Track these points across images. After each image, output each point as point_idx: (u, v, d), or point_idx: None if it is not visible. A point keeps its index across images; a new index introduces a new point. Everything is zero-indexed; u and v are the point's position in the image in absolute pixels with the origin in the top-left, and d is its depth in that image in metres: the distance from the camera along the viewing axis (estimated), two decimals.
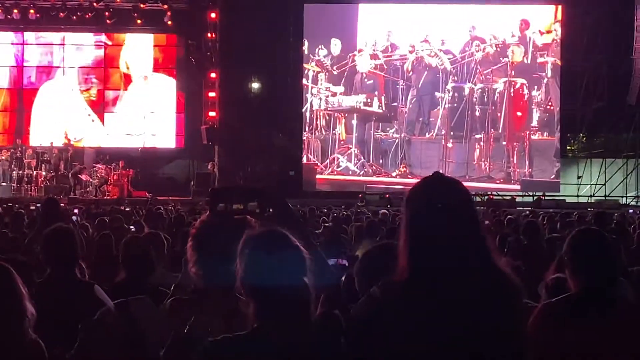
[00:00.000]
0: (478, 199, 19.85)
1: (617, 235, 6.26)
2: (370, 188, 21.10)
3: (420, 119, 21.37)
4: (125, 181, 20.50)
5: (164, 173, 22.62)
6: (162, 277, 3.83)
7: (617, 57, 21.63)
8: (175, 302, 2.39)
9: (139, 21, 21.93)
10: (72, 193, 19.53)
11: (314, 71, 21.65)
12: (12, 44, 23.03)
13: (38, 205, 10.22)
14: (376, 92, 21.44)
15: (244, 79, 22.54)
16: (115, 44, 23.05)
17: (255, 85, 22.84)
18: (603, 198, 21.31)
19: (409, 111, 21.39)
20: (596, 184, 21.82)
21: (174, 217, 8.67)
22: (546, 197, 20.75)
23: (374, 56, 21.53)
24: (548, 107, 21.35)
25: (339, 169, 21.39)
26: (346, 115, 21.50)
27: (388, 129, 21.44)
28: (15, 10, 21.80)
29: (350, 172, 21.33)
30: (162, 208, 10.74)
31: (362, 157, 21.27)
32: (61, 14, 21.77)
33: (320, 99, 21.62)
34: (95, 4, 21.68)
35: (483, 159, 21.07)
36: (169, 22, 22.11)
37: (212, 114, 21.68)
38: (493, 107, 21.18)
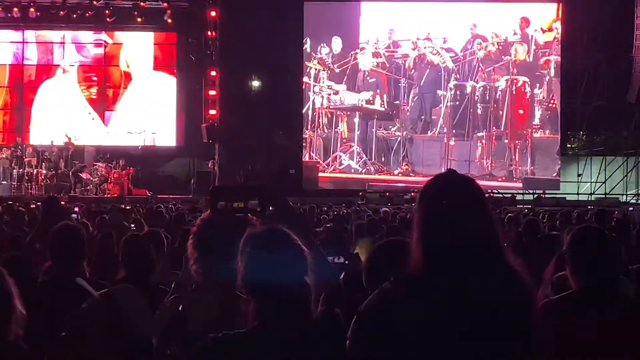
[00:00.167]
0: None
1: (618, 233, 6.26)
2: (372, 186, 21.11)
3: (423, 117, 21.36)
4: (125, 179, 20.50)
5: (164, 171, 22.63)
6: (162, 275, 3.83)
7: (617, 55, 21.62)
8: (176, 300, 2.40)
9: (139, 19, 21.92)
10: (72, 191, 19.52)
11: (316, 69, 21.64)
12: (12, 42, 23.03)
13: (38, 203, 10.22)
14: (378, 90, 21.44)
15: (244, 77, 22.54)
16: (115, 42, 23.05)
17: (256, 83, 22.84)
18: (603, 196, 21.31)
19: (411, 109, 21.38)
20: (596, 182, 21.82)
21: (174, 215, 8.67)
22: (547, 195, 20.76)
23: (376, 54, 21.53)
24: (550, 105, 21.35)
25: (341, 167, 21.38)
26: (348, 113, 21.50)
27: (390, 127, 21.42)
28: (16, 9, 21.79)
29: (353, 170, 21.33)
30: (162, 206, 10.74)
31: (364, 155, 21.27)
32: (61, 12, 21.77)
33: (323, 97, 21.60)
34: (95, 2, 21.67)
35: (485, 157, 21.06)
36: (169, 20, 22.10)
37: (212, 112, 21.67)
38: (495, 105, 21.18)
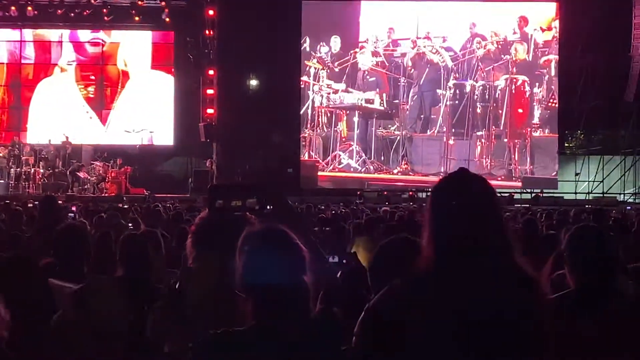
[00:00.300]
0: None
1: (616, 232, 6.26)
2: (371, 185, 21.12)
3: (422, 116, 21.37)
4: (123, 178, 20.48)
5: (162, 170, 22.60)
6: (159, 274, 3.82)
7: (615, 54, 21.61)
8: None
9: (136, 18, 21.91)
10: (69, 190, 19.50)
11: (315, 68, 21.64)
12: (9, 41, 22.99)
13: (36, 202, 10.20)
14: (378, 89, 21.44)
15: (242, 76, 22.51)
16: (113, 41, 23.02)
17: (254, 82, 22.82)
18: (601, 195, 21.32)
19: (411, 108, 21.38)
20: (594, 181, 21.82)
21: (172, 214, 8.66)
22: (544, 194, 20.77)
23: (375, 53, 21.53)
24: (550, 104, 21.36)
25: (340, 166, 21.39)
26: (348, 112, 21.50)
27: (390, 125, 21.43)
28: (13, 7, 21.76)
29: (352, 169, 21.34)
30: (160, 205, 10.73)
31: (363, 154, 21.28)
32: (59, 10, 21.75)
33: (322, 96, 21.61)
34: (93, 1, 21.66)
35: (484, 156, 21.08)
36: (167, 19, 22.09)
37: (210, 111, 21.66)
38: (494, 104, 21.19)
